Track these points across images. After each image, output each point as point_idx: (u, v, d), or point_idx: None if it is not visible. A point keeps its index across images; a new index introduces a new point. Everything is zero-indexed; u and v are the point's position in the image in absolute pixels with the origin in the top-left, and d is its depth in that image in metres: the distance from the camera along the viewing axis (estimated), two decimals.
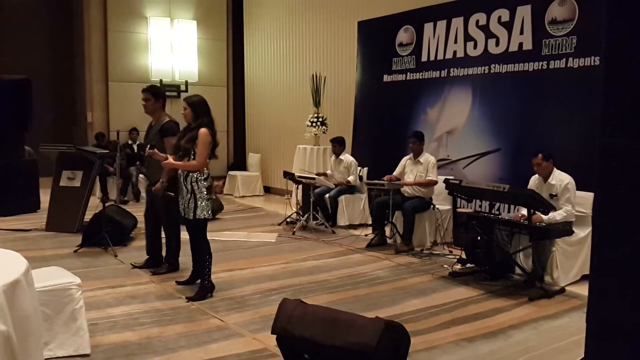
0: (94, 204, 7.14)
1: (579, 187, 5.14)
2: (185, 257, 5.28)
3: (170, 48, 11.27)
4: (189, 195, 4.60)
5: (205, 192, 4.65)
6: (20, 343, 2.52)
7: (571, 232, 5.00)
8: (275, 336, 3.37)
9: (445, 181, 5.60)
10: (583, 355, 2.22)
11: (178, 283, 5.01)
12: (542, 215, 4.97)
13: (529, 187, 5.33)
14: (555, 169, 5.23)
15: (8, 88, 8.38)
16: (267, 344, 3.67)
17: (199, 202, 4.60)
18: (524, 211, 5.14)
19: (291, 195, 8.81)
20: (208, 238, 4.81)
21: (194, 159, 4.59)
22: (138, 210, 7.56)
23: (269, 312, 3.42)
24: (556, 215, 4.97)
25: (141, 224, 7.24)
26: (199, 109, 4.64)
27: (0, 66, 9.13)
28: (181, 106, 4.92)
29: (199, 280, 4.85)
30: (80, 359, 3.43)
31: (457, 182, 5.46)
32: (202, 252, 4.78)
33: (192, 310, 4.40)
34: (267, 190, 11.26)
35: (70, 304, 3.50)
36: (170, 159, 4.66)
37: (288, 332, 3.26)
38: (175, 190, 4.85)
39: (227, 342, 3.78)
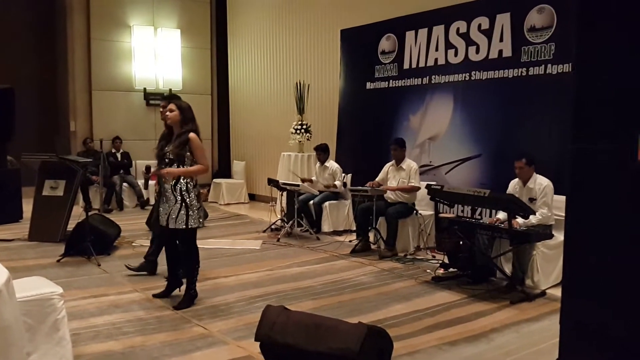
0: (77, 214, 7.11)
1: (558, 192, 5.22)
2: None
3: (154, 56, 11.27)
4: (179, 204, 4.51)
5: (195, 201, 4.58)
6: (2, 354, 2.52)
7: (551, 236, 5.09)
8: (259, 343, 3.40)
9: (428, 187, 5.67)
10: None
11: (154, 296, 4.88)
12: (519, 220, 5.04)
13: (508, 191, 5.42)
14: (535, 174, 5.32)
15: None
16: (251, 352, 3.68)
17: (191, 211, 4.53)
18: (500, 215, 5.22)
19: (276, 203, 8.83)
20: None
21: (183, 165, 4.52)
22: (122, 220, 7.55)
23: (253, 320, 3.44)
24: (531, 219, 5.04)
25: (130, 232, 7.29)
26: (188, 114, 4.60)
27: None
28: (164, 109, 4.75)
29: (176, 291, 4.82)
30: None
31: (439, 187, 5.52)
32: (191, 261, 4.75)
33: (175, 318, 4.39)
34: (252, 197, 11.27)
35: (53, 314, 3.47)
36: (168, 168, 4.56)
37: (271, 338, 3.29)
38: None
39: (211, 350, 3.79)
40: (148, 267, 5.62)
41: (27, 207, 7.98)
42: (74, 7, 10.63)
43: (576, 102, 2.17)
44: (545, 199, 5.16)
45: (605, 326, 1.96)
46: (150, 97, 11.13)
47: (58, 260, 6.07)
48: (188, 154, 4.55)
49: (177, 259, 4.84)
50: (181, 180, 4.54)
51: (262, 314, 3.42)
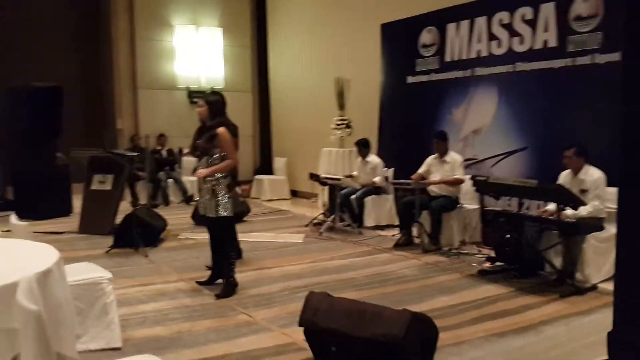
0: (125, 209, 7.29)
1: (610, 184, 5.04)
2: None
3: (196, 55, 11.45)
4: (209, 194, 4.62)
5: (224, 190, 4.62)
6: (53, 329, 2.59)
7: (602, 228, 4.92)
8: (302, 330, 3.41)
9: (473, 178, 5.56)
10: None
11: (198, 283, 4.97)
12: (568, 212, 4.88)
13: (558, 182, 5.25)
14: (586, 165, 5.14)
15: (40, 96, 8.61)
16: (296, 339, 3.68)
17: (220, 200, 4.60)
18: (549, 207, 5.06)
19: (318, 198, 8.84)
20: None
21: (211, 160, 4.59)
22: (168, 214, 7.69)
23: (297, 308, 3.43)
24: (582, 211, 4.87)
25: (176, 226, 7.42)
26: (216, 107, 4.65)
27: (31, 74, 9.36)
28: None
29: (219, 280, 4.87)
30: (112, 352, 3.49)
31: (485, 178, 5.41)
32: (225, 250, 4.81)
33: (220, 306, 4.45)
34: (294, 194, 11.31)
35: (102, 298, 3.58)
36: (201, 170, 4.66)
37: (315, 324, 3.28)
38: None
39: (255, 336, 3.82)
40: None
41: (77, 203, 8.24)
42: (119, 7, 10.93)
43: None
44: (597, 190, 4.98)
45: None
46: (193, 95, 11.31)
47: (107, 251, 6.23)
48: (218, 149, 4.60)
49: (217, 247, 4.91)
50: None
51: (305, 300, 3.42)
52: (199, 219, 6.61)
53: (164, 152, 10.46)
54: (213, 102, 4.69)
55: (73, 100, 10.86)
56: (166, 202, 9.99)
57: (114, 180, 7.56)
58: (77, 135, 10.80)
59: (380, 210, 7.86)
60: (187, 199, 10.11)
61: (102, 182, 7.60)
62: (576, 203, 4.78)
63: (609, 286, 4.79)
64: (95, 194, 7.57)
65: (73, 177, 9.02)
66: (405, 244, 6.57)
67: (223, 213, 4.64)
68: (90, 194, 7.63)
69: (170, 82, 11.29)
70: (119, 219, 7.02)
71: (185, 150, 5.25)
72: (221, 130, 4.59)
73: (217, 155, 4.61)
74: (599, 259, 4.97)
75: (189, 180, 9.95)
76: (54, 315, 2.65)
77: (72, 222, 7.93)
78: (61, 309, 2.77)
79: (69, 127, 9.43)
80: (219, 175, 4.61)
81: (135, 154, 8.17)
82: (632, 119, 2.27)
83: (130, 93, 11.09)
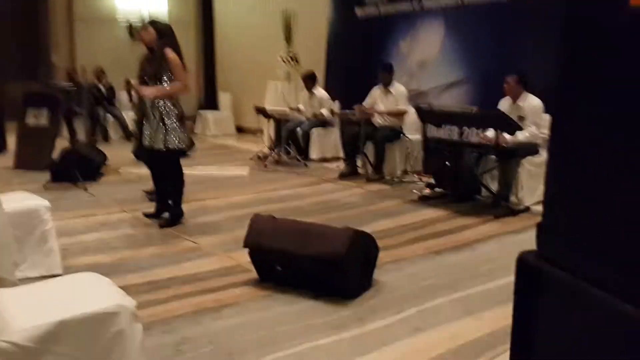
0: (62, 145, 7.04)
1: (548, 112, 5.20)
2: None
3: None
4: (156, 125, 4.41)
5: (175, 122, 4.44)
6: None
7: (536, 151, 5.12)
8: (248, 252, 3.45)
9: (416, 107, 5.64)
10: None
11: (145, 215, 4.86)
12: (506, 136, 5.04)
13: (498, 108, 5.39)
14: (525, 92, 5.28)
15: None
16: (241, 261, 3.72)
17: (170, 132, 4.40)
18: (489, 133, 5.22)
19: (263, 132, 8.79)
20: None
21: (161, 83, 4.40)
22: (107, 150, 7.48)
23: (242, 235, 3.46)
24: (519, 135, 5.05)
25: (116, 161, 7.22)
26: (162, 29, 4.45)
27: None
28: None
29: (166, 213, 4.79)
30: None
31: (428, 107, 5.49)
32: (174, 183, 4.70)
33: (164, 234, 4.44)
34: (240, 130, 11.18)
35: (40, 226, 3.50)
36: (148, 88, 4.41)
37: (260, 244, 3.34)
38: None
39: (200, 260, 3.84)
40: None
41: (11, 140, 7.87)
42: None
43: None
44: (534, 117, 5.14)
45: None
46: (134, 31, 10.80)
47: (44, 186, 6.04)
48: (168, 73, 4.41)
49: (162, 180, 4.81)
50: (160, 101, 4.41)
51: (250, 222, 3.46)
52: (141, 153, 6.42)
53: (102, 88, 10.06)
54: (159, 24, 4.51)
55: (6, 32, 10.21)
56: (105, 138, 9.70)
57: (50, 114, 7.24)
58: (10, 70, 10.21)
59: (325, 143, 7.90)
60: (128, 134, 9.83)
61: (37, 117, 7.27)
62: (514, 129, 4.94)
63: (541, 208, 5.07)
64: (31, 129, 7.25)
65: (7, 115, 8.56)
66: (349, 174, 6.67)
67: (171, 146, 4.43)
68: (25, 128, 7.30)
69: (110, 15, 10.73)
70: (56, 154, 6.78)
71: (133, 81, 4.97)
72: (167, 50, 4.37)
73: (167, 80, 4.40)
74: (533, 182, 5.19)
75: (128, 116, 9.64)
76: None
77: (6, 159, 7.61)
78: None
79: (2, 61, 8.90)
80: (168, 102, 4.41)
81: (72, 85, 7.82)
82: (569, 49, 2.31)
83: (66, 25, 10.48)
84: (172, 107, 4.45)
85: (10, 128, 8.45)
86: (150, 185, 5.17)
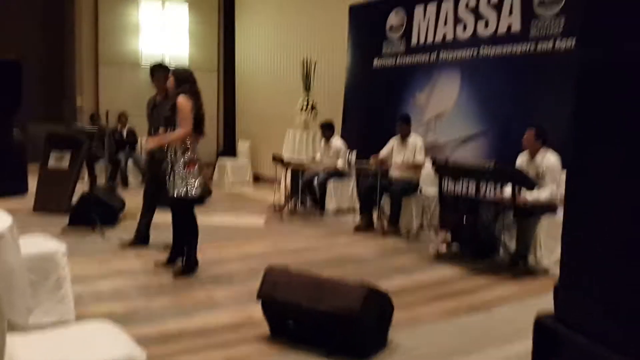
0: (82, 188, 7.13)
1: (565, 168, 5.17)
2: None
3: (161, 31, 11.21)
4: (169, 172, 4.47)
5: (183, 168, 4.43)
6: (5, 295, 2.53)
7: (555, 209, 5.05)
8: (260, 306, 3.41)
9: (433, 160, 5.64)
10: None
11: (157, 264, 4.83)
12: (527, 196, 4.99)
13: (516, 164, 5.36)
14: (543, 148, 5.25)
15: None
16: (253, 315, 3.67)
17: (178, 179, 4.42)
18: (505, 192, 5.18)
19: (280, 182, 8.82)
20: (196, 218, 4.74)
21: (174, 129, 4.46)
22: (126, 195, 7.55)
23: (255, 288, 3.44)
24: (540, 195, 5.01)
25: (135, 207, 7.26)
26: (182, 76, 4.56)
27: None
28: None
29: (178, 259, 4.78)
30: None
31: (444, 161, 5.50)
32: (186, 231, 4.71)
33: (178, 285, 4.42)
34: (257, 178, 11.25)
35: (56, 271, 3.50)
36: (150, 139, 4.55)
37: (273, 297, 3.30)
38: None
39: (212, 313, 3.81)
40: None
41: (33, 182, 7.99)
42: None
43: None
44: (554, 174, 5.09)
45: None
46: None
47: (63, 230, 6.08)
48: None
49: (176, 226, 4.84)
50: (169, 148, 4.49)
51: (264, 274, 3.43)
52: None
53: (124, 132, 10.25)
54: (179, 72, 4.65)
55: (33, 76, 10.54)
56: (125, 183, 9.81)
57: (72, 157, 7.38)
58: (35, 111, 10.50)
59: (342, 194, 7.90)
60: None
61: (60, 159, 7.39)
62: (531, 185, 4.90)
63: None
64: (52, 172, 7.36)
65: (30, 157, 8.75)
66: (365, 227, 6.63)
67: (179, 194, 4.45)
68: (47, 171, 7.42)
69: (134, 59, 11.04)
70: (75, 198, 6.86)
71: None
72: (180, 97, 4.45)
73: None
74: (552, 242, 5.09)
75: None
76: (6, 281, 2.59)
77: (27, 201, 7.71)
78: (14, 276, 2.71)
79: (28, 103, 9.15)
80: (178, 149, 4.45)
81: (95, 128, 7.98)
82: (584, 102, 2.32)
83: (91, 69, 10.79)
84: (180, 154, 4.46)
85: (31, 169, 8.62)
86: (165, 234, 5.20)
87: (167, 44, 11.28)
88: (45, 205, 7.16)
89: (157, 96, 5.58)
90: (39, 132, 7.64)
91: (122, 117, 10.29)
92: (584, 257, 2.29)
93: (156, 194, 5.45)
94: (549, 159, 5.17)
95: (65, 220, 6.31)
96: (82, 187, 7.50)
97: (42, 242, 3.63)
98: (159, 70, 5.47)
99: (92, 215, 6.07)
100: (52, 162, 7.41)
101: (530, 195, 5.02)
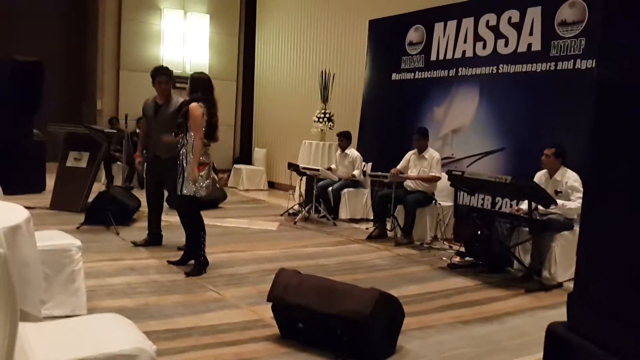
0: (99, 189, 7.20)
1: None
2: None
3: (183, 40, 11.36)
4: (179, 172, 4.60)
5: (189, 169, 4.53)
6: (19, 286, 2.55)
7: (571, 227, 5.01)
8: (271, 309, 3.41)
9: (448, 172, 5.62)
10: None
11: (169, 262, 4.92)
12: (555, 207, 4.92)
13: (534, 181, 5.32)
14: (563, 167, 5.22)
15: (21, 69, 8.44)
16: (263, 316, 3.69)
17: (187, 179, 4.54)
18: (522, 206, 5.14)
19: (295, 190, 8.84)
20: (204, 219, 4.80)
21: (185, 134, 4.57)
22: (142, 196, 7.61)
23: (266, 289, 3.45)
24: (570, 204, 4.95)
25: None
26: (196, 84, 4.62)
27: (14, 49, 9.20)
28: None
29: (192, 261, 4.83)
30: None
31: (460, 173, 5.48)
32: (192, 229, 4.78)
33: (189, 283, 4.43)
34: (272, 185, 11.29)
35: (70, 265, 3.54)
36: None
37: (284, 300, 3.30)
38: None
39: (223, 312, 3.82)
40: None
41: (51, 180, 8.11)
42: None
43: None
44: (577, 191, 5.02)
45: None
46: (177, 81, 11.21)
47: (78, 227, 6.14)
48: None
49: (189, 227, 4.88)
50: (182, 150, 4.59)
51: (275, 276, 3.44)
52: (173, 201, 6.53)
53: None
54: (194, 79, 4.69)
55: (55, 77, 10.71)
56: (141, 185, 9.87)
57: (90, 158, 7.48)
58: (56, 113, 10.65)
59: (356, 203, 7.89)
60: None
61: (78, 159, 7.50)
62: (548, 202, 4.86)
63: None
64: (70, 171, 7.47)
65: (49, 155, 8.88)
66: (378, 236, 6.62)
67: (186, 192, 4.57)
68: (65, 170, 7.53)
69: (154, 66, 11.13)
70: (92, 197, 6.93)
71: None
72: (191, 105, 4.53)
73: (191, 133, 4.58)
74: (567, 258, 5.05)
75: None
76: (20, 272, 2.62)
77: (44, 198, 7.81)
78: (28, 268, 2.74)
79: (48, 104, 9.29)
80: (189, 153, 4.54)
81: (114, 131, 8.08)
82: (601, 122, 2.32)
83: (112, 73, 10.93)
84: (190, 157, 4.54)
85: (50, 168, 8.74)
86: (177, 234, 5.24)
87: (188, 53, 11.41)
88: (61, 203, 7.26)
89: (156, 99, 5.62)
90: (59, 133, 7.73)
91: (141, 122, 10.38)
92: (600, 268, 2.27)
93: (157, 194, 5.56)
94: (569, 177, 5.13)
95: (81, 218, 6.39)
96: (99, 187, 7.57)
97: (57, 237, 3.68)
98: (160, 74, 5.53)
99: (108, 214, 6.13)
100: (70, 162, 7.51)
101: (559, 207, 4.95)
